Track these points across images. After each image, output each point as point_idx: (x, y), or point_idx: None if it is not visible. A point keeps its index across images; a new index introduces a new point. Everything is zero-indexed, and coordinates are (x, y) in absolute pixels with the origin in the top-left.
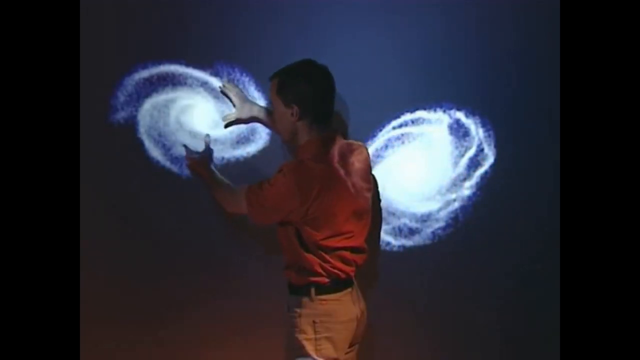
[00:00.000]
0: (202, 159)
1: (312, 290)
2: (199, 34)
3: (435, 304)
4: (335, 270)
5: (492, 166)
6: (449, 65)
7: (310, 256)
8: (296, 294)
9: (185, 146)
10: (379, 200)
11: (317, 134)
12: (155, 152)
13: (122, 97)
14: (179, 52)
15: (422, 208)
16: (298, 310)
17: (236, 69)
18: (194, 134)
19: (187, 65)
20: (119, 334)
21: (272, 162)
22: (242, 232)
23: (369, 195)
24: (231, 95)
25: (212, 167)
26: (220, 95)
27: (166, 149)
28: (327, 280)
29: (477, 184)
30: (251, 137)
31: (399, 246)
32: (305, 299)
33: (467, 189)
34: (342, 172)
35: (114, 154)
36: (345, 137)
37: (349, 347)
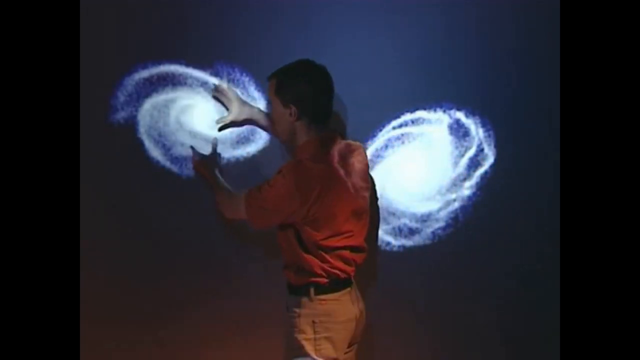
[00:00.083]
0: (207, 162)
1: (312, 290)
2: (199, 34)
3: (435, 304)
4: (335, 270)
5: (492, 166)
6: (449, 65)
7: (309, 256)
8: (295, 294)
9: (192, 147)
10: (377, 199)
11: (315, 134)
12: (155, 152)
13: (122, 97)
14: (179, 52)
15: (422, 208)
16: (297, 310)
17: (236, 69)
18: (194, 134)
19: (187, 65)
20: (119, 334)
21: (272, 162)
22: (242, 232)
23: (367, 195)
24: (224, 99)
25: (217, 172)
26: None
27: (166, 149)
28: (326, 280)
29: (477, 184)
30: (251, 137)
31: (399, 246)
32: (304, 299)
33: (467, 189)
34: (342, 172)
35: (114, 154)
36: (344, 137)
37: (348, 347)
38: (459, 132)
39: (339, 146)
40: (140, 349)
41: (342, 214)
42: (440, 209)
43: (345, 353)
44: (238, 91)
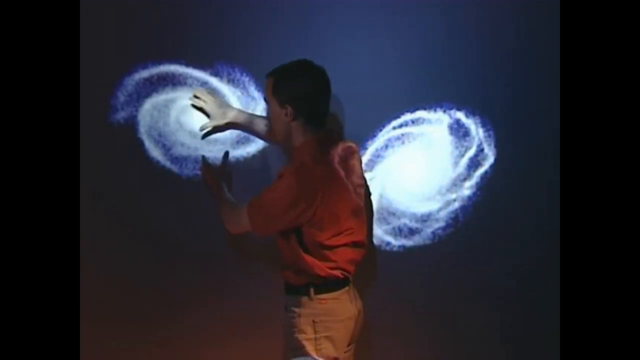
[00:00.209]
0: (214, 174)
1: (312, 290)
2: (199, 34)
3: (435, 304)
4: (335, 272)
5: (492, 166)
6: (449, 65)
7: (310, 257)
8: (295, 294)
9: (203, 157)
10: (369, 195)
11: (311, 135)
12: (155, 152)
13: (122, 97)
14: (179, 52)
15: (422, 208)
16: (297, 310)
17: (236, 69)
18: (194, 134)
19: (187, 65)
20: (119, 334)
21: (272, 162)
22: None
23: (362, 192)
24: (202, 105)
25: (224, 185)
26: (221, 95)
27: (166, 149)
28: (326, 279)
29: (477, 184)
30: (251, 137)
31: (399, 246)
32: (304, 299)
33: (467, 189)
34: (342, 173)
35: (114, 154)
36: (341, 136)
37: (347, 346)
38: (459, 132)
39: (337, 147)
40: (140, 349)
41: (344, 214)
42: (440, 209)
43: (345, 352)
44: (230, 91)
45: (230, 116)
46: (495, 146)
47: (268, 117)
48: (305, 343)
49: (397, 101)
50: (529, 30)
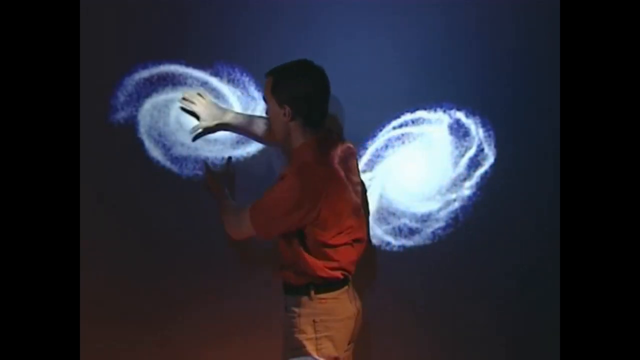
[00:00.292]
0: (217, 180)
1: (312, 290)
2: (199, 34)
3: (435, 304)
4: (335, 272)
5: (492, 166)
6: (449, 65)
7: (311, 258)
8: (295, 294)
9: (205, 163)
10: (365, 192)
11: (311, 135)
12: (155, 152)
13: (122, 97)
14: (179, 52)
15: (422, 208)
16: (297, 310)
17: (236, 69)
18: None
19: (187, 65)
20: (119, 334)
21: (271, 162)
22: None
23: (360, 190)
24: (192, 107)
25: (227, 191)
26: (220, 95)
27: (166, 149)
28: (326, 279)
29: (477, 184)
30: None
31: (399, 246)
32: (304, 299)
33: (467, 189)
34: (342, 173)
35: (114, 154)
36: (340, 136)
37: (347, 345)
38: (459, 132)
39: (337, 147)
40: (140, 349)
41: (345, 213)
42: (440, 209)
43: (345, 351)
44: (210, 96)
45: (219, 117)
46: (495, 146)
47: (266, 117)
48: (305, 343)
49: (397, 101)
50: (529, 30)
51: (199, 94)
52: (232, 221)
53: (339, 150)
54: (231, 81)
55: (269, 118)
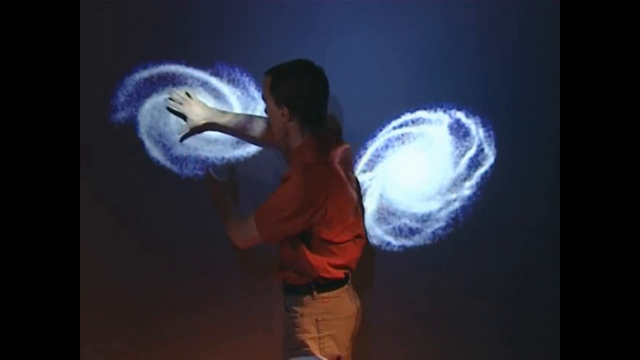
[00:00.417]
0: (220, 187)
1: (314, 289)
2: (199, 34)
3: (435, 304)
4: (338, 272)
5: (492, 166)
6: (449, 65)
7: (314, 258)
8: (296, 294)
9: (208, 169)
10: (359, 189)
11: (309, 135)
12: (155, 152)
13: (122, 97)
14: (179, 52)
15: (422, 208)
16: (299, 309)
17: (236, 69)
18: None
19: (187, 65)
20: (119, 334)
21: (272, 162)
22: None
23: (356, 188)
24: (178, 108)
25: (229, 198)
26: (221, 95)
27: (166, 149)
28: (328, 278)
29: (477, 184)
30: None
31: (399, 246)
32: (306, 298)
33: (467, 189)
34: (342, 172)
35: (114, 154)
36: (340, 136)
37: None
38: (459, 132)
39: (336, 148)
40: (140, 349)
41: (348, 210)
42: (440, 209)
43: (346, 349)
44: (198, 96)
45: (207, 116)
46: (495, 146)
47: (263, 118)
48: (309, 342)
49: (397, 101)
50: (529, 30)
51: (187, 93)
52: (237, 229)
53: (338, 151)
54: (231, 81)
55: (268, 117)
